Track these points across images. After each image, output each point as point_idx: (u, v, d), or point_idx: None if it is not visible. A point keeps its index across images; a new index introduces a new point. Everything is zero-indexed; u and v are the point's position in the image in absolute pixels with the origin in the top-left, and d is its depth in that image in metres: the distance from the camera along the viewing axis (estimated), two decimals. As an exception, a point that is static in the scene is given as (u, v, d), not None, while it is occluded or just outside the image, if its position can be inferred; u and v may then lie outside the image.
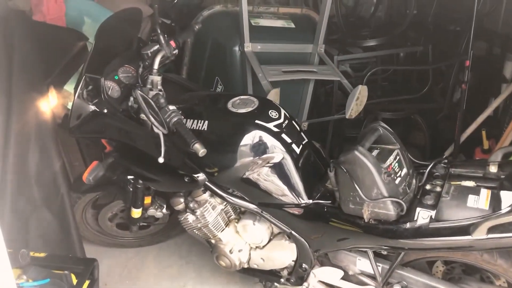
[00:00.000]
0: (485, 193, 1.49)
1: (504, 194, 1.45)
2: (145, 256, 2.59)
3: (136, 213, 2.25)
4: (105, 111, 1.88)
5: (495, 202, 1.44)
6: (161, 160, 1.64)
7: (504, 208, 1.38)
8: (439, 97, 3.17)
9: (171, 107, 1.69)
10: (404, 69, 3.21)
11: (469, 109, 3.14)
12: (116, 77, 1.96)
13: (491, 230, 1.36)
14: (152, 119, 1.58)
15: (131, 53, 2.02)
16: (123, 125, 1.86)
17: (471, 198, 1.49)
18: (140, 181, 2.09)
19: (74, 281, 1.69)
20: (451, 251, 1.51)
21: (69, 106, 2.03)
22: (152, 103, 1.64)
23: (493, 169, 1.56)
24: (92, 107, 1.89)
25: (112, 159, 2.01)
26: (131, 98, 1.89)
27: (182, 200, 2.00)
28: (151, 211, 2.30)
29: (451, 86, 2.90)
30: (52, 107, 2.22)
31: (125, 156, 1.94)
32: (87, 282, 1.77)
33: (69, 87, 2.33)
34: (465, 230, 1.41)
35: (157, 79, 1.82)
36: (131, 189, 2.15)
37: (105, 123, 1.87)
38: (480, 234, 1.37)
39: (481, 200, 1.48)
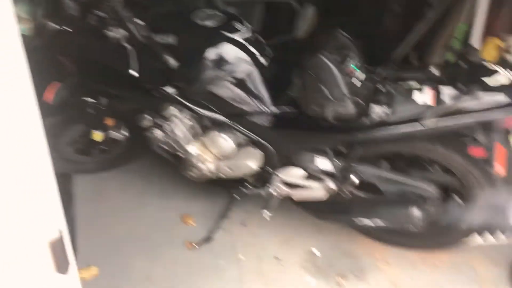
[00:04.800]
0: (429, 91, 1.72)
1: (444, 90, 1.69)
2: (108, 180, 2.63)
3: (97, 135, 2.29)
4: (69, 29, 1.86)
5: (438, 97, 1.68)
6: (131, 72, 1.69)
7: (445, 99, 1.62)
8: (375, 22, 3.39)
9: (139, 21, 1.73)
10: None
11: (401, 35, 3.39)
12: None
13: (435, 117, 1.60)
14: (130, 27, 1.60)
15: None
16: (89, 41, 1.86)
17: (418, 95, 1.72)
18: (102, 103, 2.12)
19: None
20: (401, 141, 1.74)
21: (24, 30, 1.97)
22: (123, 14, 1.66)
23: (434, 70, 1.79)
24: (56, 26, 1.86)
25: (76, 79, 2.02)
26: (93, 16, 1.87)
27: (148, 116, 2.07)
28: (112, 134, 2.36)
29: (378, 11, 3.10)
30: None
31: (91, 75, 1.95)
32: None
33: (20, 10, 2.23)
34: (413, 120, 1.64)
35: None
36: (92, 112, 2.18)
37: (70, 41, 1.86)
38: (426, 121, 1.60)
39: (426, 96, 1.71)
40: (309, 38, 2.56)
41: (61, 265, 1.02)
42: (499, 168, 1.55)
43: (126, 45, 1.72)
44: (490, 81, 1.59)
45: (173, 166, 2.30)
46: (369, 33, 3.37)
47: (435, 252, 2.17)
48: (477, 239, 2.20)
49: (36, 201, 0.86)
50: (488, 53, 2.59)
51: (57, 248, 1.00)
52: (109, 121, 2.29)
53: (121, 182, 2.63)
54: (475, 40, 2.76)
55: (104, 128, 2.31)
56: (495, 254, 2.19)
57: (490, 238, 2.22)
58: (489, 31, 2.79)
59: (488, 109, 1.55)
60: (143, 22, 1.77)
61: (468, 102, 1.55)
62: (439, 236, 2.09)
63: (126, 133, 2.40)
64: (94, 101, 2.15)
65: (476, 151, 1.66)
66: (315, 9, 2.47)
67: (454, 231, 2.03)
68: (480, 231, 2.05)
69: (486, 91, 1.56)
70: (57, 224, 0.97)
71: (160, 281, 2.04)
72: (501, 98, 1.54)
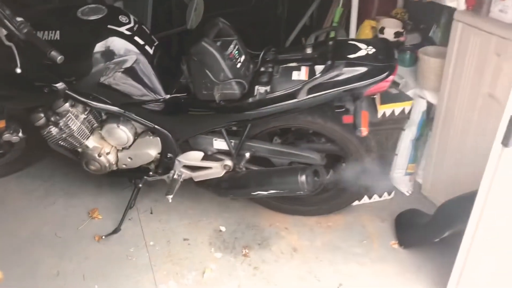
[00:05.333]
0: (304, 69, 1.91)
1: (317, 67, 1.88)
2: (6, 186, 2.57)
3: (-12, 140, 2.23)
4: None
5: (312, 74, 1.87)
6: (18, 70, 1.70)
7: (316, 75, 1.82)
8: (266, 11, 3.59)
9: (19, 19, 1.73)
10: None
11: (292, 20, 3.62)
12: None
13: (309, 91, 1.80)
14: (8, 24, 1.60)
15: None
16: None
17: (295, 74, 1.90)
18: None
19: None
20: (283, 114, 1.91)
21: None
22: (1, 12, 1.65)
23: (308, 50, 1.98)
24: None
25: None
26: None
27: (42, 114, 2.06)
28: (6, 136, 2.32)
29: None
30: None
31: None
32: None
33: None
34: (292, 95, 1.82)
35: None
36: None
37: None
38: (302, 95, 1.80)
39: (302, 74, 1.90)
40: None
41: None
42: (363, 130, 1.78)
43: (7, 43, 1.71)
44: (353, 56, 1.82)
45: (74, 163, 2.31)
46: (264, 22, 3.59)
47: (329, 216, 2.40)
48: (364, 199, 2.48)
49: None
50: (364, 33, 2.87)
51: None
52: (2, 123, 2.24)
53: (21, 186, 2.59)
54: (353, 22, 3.05)
55: (-4, 131, 2.26)
56: (381, 211, 2.46)
57: (374, 196, 2.51)
58: (365, 14, 3.09)
59: (350, 80, 1.77)
60: (25, 19, 1.76)
61: (333, 76, 1.75)
62: (331, 200, 2.31)
63: (22, 135, 2.36)
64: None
65: (348, 119, 1.88)
66: (202, 0, 2.58)
67: (343, 194, 2.27)
68: (365, 192, 2.31)
69: (349, 65, 1.78)
70: None
71: (72, 276, 2.06)
72: (361, 69, 1.77)
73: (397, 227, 2.32)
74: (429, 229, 2.05)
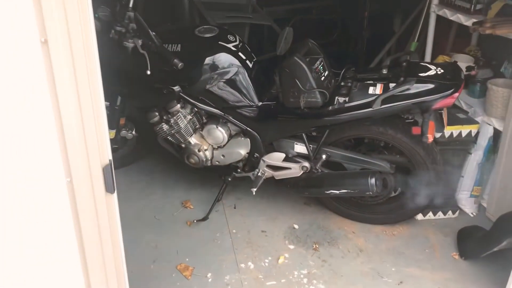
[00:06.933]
0: (379, 85, 2.21)
1: (391, 85, 2.18)
2: (116, 177, 3.04)
3: (110, 133, 2.72)
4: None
5: (386, 90, 2.17)
6: (148, 72, 2.15)
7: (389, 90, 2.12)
8: (346, 44, 3.96)
9: (152, 33, 2.21)
10: (316, 18, 3.93)
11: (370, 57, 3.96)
12: (96, 15, 2.41)
13: (383, 102, 2.09)
14: (150, 34, 2.08)
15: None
16: (110, 51, 2.31)
17: (371, 89, 2.21)
18: (117, 104, 2.57)
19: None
20: (358, 122, 2.21)
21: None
22: (146, 25, 2.13)
23: (384, 71, 2.28)
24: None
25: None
26: (112, 31, 2.35)
27: (157, 113, 2.51)
28: (123, 133, 2.79)
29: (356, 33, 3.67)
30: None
31: (112, 79, 2.40)
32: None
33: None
34: (367, 105, 2.13)
35: (132, 14, 2.31)
36: (108, 113, 2.62)
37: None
38: (376, 105, 2.09)
39: (377, 89, 2.20)
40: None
41: (109, 186, 1.43)
42: (429, 137, 2.03)
43: (142, 51, 2.18)
44: (423, 74, 2.10)
45: (171, 163, 2.71)
46: (344, 54, 3.97)
47: (394, 226, 2.61)
48: (428, 214, 2.67)
49: (93, 135, 1.23)
50: (437, 66, 3.12)
51: (107, 172, 1.40)
52: (122, 120, 2.73)
53: (128, 178, 3.04)
54: (428, 55, 3.32)
55: (117, 127, 2.74)
56: (444, 227, 2.63)
57: (439, 213, 2.68)
58: (439, 50, 3.36)
59: (419, 94, 2.05)
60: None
61: (404, 89, 2.04)
62: (397, 210, 2.53)
63: (134, 133, 2.84)
64: (109, 103, 2.60)
65: (416, 130, 2.14)
66: (291, 30, 2.98)
67: (408, 205, 2.48)
68: (429, 204, 2.51)
69: (419, 82, 2.06)
70: (108, 155, 1.36)
71: (167, 249, 2.43)
72: (429, 86, 2.04)
73: (459, 240, 2.48)
74: (488, 239, 2.20)
